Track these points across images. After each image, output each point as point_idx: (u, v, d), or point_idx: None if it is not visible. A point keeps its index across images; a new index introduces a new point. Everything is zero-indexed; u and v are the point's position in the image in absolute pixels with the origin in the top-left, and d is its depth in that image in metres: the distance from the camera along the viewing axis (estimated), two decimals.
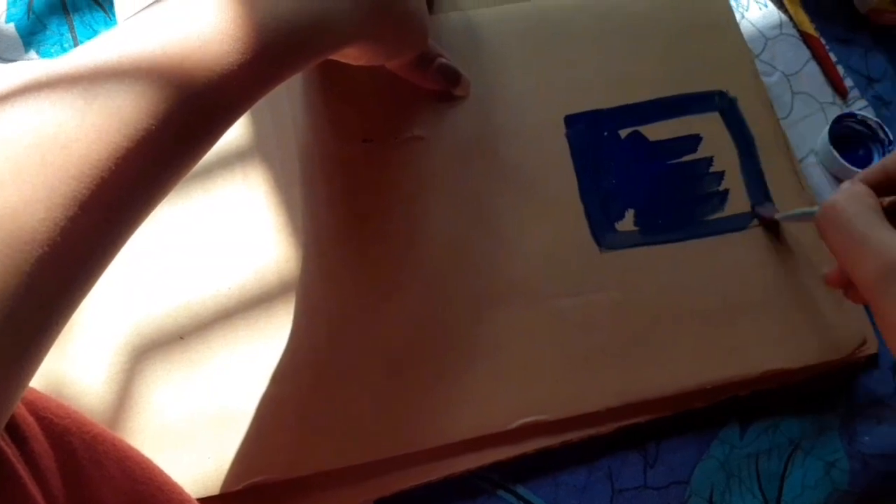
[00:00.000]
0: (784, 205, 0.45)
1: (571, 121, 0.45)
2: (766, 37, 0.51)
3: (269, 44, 0.30)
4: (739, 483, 0.43)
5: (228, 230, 0.42)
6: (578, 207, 0.44)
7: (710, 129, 0.46)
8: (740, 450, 0.44)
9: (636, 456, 0.43)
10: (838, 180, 0.48)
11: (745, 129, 0.46)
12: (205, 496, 0.38)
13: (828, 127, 0.48)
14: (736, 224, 0.45)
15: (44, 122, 0.25)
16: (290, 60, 0.31)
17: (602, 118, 0.46)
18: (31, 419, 0.28)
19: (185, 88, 0.28)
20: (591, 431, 0.41)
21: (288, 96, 0.44)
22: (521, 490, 0.42)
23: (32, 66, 0.45)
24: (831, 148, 0.47)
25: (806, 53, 0.51)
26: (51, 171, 0.24)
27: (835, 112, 0.50)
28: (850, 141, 0.49)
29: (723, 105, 0.47)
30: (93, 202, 0.25)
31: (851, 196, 0.35)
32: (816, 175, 0.48)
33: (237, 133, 0.44)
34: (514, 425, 0.40)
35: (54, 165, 0.24)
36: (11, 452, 0.27)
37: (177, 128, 0.27)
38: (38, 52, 0.48)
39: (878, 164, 0.37)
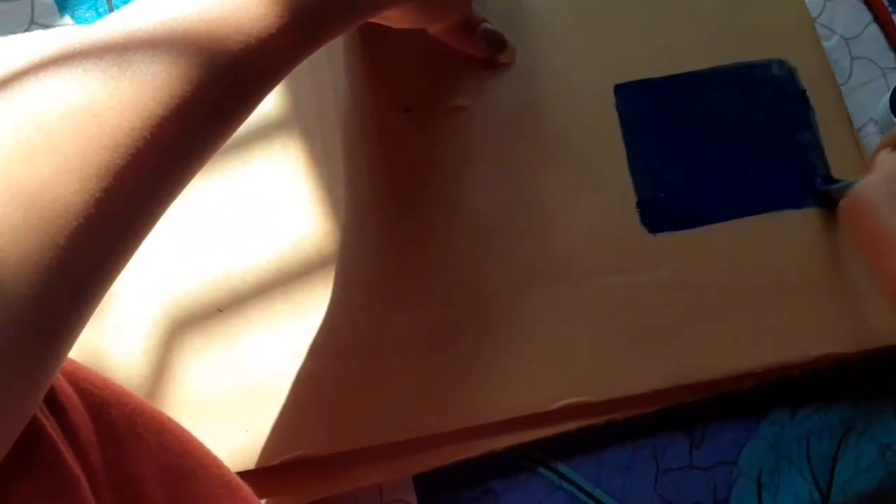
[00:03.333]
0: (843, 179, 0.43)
1: (621, 90, 0.44)
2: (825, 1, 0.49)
3: (307, 5, 0.29)
4: (789, 464, 0.42)
5: (267, 202, 0.42)
6: (627, 182, 0.42)
7: None
8: (791, 430, 0.42)
9: (682, 435, 0.42)
10: None
11: (805, 101, 0.44)
12: (241, 470, 0.37)
13: (889, 94, 0.45)
14: (793, 201, 0.43)
15: (76, 90, 0.24)
16: (330, 23, 0.30)
17: (654, 88, 0.44)
18: (70, 391, 0.28)
19: (221, 54, 0.27)
20: (636, 411, 0.40)
21: (328, 65, 0.43)
22: (562, 468, 0.41)
23: (67, 34, 0.44)
24: (893, 117, 0.45)
25: (867, 16, 0.49)
26: (83, 142, 0.24)
27: None
28: None
29: (782, 74, 0.45)
30: (128, 173, 0.24)
31: (878, 184, 0.32)
32: (876, 145, 0.46)
33: (276, 103, 0.43)
34: (556, 406, 0.39)
35: (87, 135, 0.24)
36: (50, 425, 0.26)
37: (213, 95, 0.27)
38: (72, 17, 0.47)
39: None
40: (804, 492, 0.41)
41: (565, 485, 0.41)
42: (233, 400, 0.38)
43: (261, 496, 0.35)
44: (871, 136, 0.46)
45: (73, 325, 0.24)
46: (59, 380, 0.28)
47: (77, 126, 0.24)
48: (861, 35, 0.48)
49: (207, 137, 0.27)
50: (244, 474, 0.37)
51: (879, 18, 0.49)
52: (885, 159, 0.36)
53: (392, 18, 0.35)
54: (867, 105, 0.47)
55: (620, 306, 0.40)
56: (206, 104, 0.26)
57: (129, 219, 0.25)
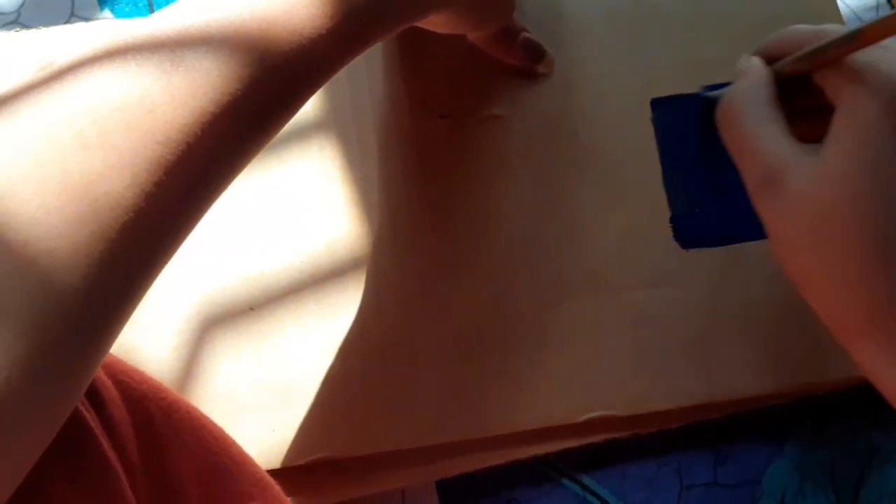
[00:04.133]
0: None
1: (657, 104, 0.43)
2: (861, 20, 0.49)
3: (356, 7, 0.29)
4: (814, 486, 0.41)
5: (302, 203, 0.42)
6: (661, 197, 0.42)
7: None
8: (816, 452, 0.42)
9: (707, 452, 0.42)
10: None
11: None
12: (266, 469, 0.37)
13: None
14: None
15: (130, 85, 0.24)
16: (378, 25, 0.30)
17: (690, 102, 0.44)
18: (109, 383, 0.28)
19: (272, 53, 0.27)
20: (661, 426, 0.40)
21: (366, 69, 0.43)
22: (586, 480, 0.41)
23: (114, 28, 0.45)
24: None
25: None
26: (136, 136, 0.24)
27: None
28: None
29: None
30: (178, 167, 0.25)
31: (745, 91, 0.31)
32: None
33: (314, 105, 0.43)
34: (582, 419, 0.39)
35: (140, 130, 0.24)
36: (91, 418, 0.26)
37: (263, 93, 0.27)
38: (112, 11, 0.47)
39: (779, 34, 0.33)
40: None
41: (589, 497, 0.41)
42: (261, 399, 0.39)
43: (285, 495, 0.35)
44: None
45: (119, 319, 0.25)
46: (99, 373, 0.28)
47: (130, 120, 0.24)
48: None
49: (255, 135, 0.28)
50: (269, 473, 0.37)
51: None
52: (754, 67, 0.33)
53: (435, 23, 0.35)
54: None
55: (650, 321, 0.40)
56: (256, 102, 0.27)
57: (178, 213, 0.25)
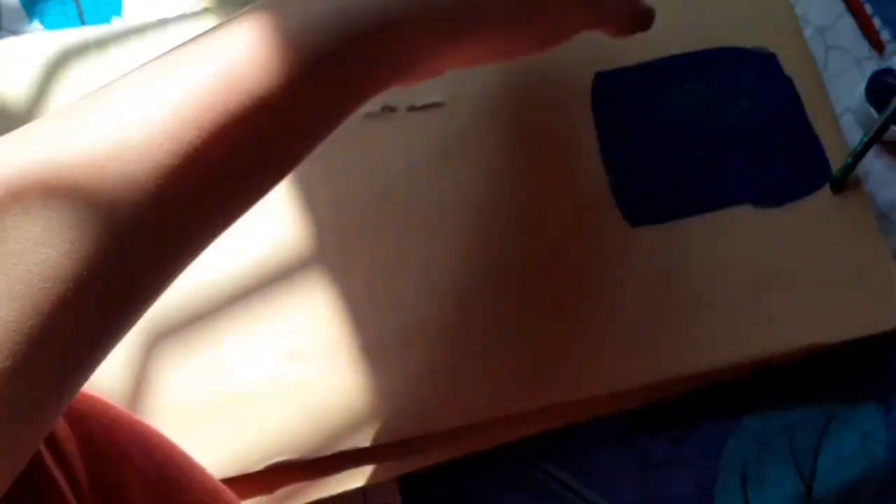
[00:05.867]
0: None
1: (599, 80, 0.43)
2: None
3: (314, 56, 0.23)
4: (773, 455, 0.42)
5: None
6: (606, 178, 0.42)
7: None
8: (774, 423, 0.42)
9: (667, 430, 0.42)
10: None
11: (792, 89, 0.44)
12: (225, 477, 0.37)
13: (864, 83, 0.46)
14: (773, 192, 0.43)
15: None
16: (363, 75, 0.25)
17: (632, 76, 0.44)
18: None
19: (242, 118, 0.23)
20: (620, 407, 0.40)
21: None
22: (548, 466, 0.41)
23: (39, 40, 0.44)
24: (868, 105, 0.45)
25: (840, 5, 0.49)
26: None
27: (871, 67, 0.47)
28: (889, 97, 0.47)
29: (763, 62, 0.44)
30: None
31: None
32: (853, 135, 0.46)
33: None
34: (541, 404, 0.39)
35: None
36: None
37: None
38: (42, 23, 0.46)
39: None
40: (788, 483, 0.41)
41: (551, 483, 0.41)
42: (215, 407, 0.38)
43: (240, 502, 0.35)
44: (848, 126, 0.47)
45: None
46: None
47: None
48: (835, 25, 0.49)
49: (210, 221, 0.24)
50: (228, 481, 0.37)
51: (852, 8, 0.49)
52: None
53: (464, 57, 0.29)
54: (842, 95, 0.47)
55: (602, 304, 0.40)
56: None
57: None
